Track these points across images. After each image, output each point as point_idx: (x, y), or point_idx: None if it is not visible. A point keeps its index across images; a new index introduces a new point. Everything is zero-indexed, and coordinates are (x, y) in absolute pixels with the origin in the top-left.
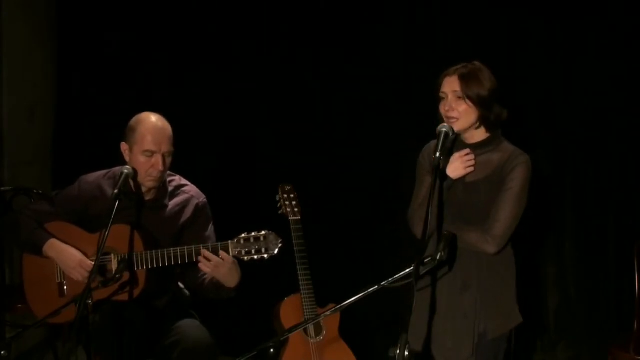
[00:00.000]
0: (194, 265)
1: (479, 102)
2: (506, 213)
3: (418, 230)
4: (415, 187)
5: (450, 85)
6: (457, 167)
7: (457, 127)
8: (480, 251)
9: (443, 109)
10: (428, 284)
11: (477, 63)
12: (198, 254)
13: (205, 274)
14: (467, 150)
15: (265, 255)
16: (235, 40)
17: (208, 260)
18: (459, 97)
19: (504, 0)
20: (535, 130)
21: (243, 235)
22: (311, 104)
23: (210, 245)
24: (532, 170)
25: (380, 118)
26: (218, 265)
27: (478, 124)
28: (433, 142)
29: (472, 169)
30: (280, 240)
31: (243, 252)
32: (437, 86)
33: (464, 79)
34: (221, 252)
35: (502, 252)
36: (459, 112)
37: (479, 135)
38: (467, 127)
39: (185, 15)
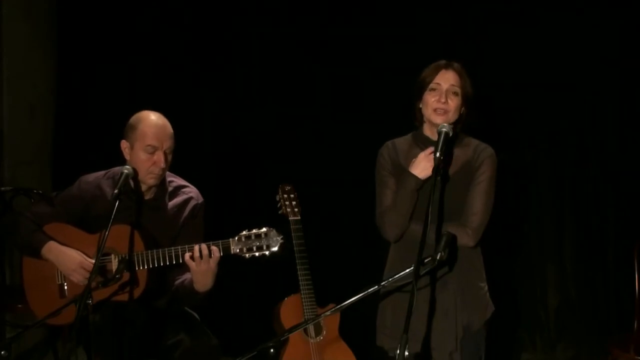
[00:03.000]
0: (179, 265)
1: (467, 101)
2: (482, 205)
3: (390, 234)
4: (377, 190)
5: (447, 79)
6: (425, 166)
7: (443, 121)
8: (460, 245)
9: (435, 99)
10: (408, 286)
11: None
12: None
13: (184, 274)
14: (432, 149)
15: (267, 252)
16: (235, 41)
17: (200, 254)
18: (455, 92)
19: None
20: (534, 130)
21: (244, 232)
22: (311, 104)
23: (211, 243)
24: (497, 161)
25: (380, 118)
26: (205, 261)
27: (455, 122)
28: (390, 142)
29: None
30: (281, 237)
31: (244, 250)
32: (426, 77)
33: (461, 76)
34: (212, 248)
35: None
36: (451, 106)
37: None
38: (450, 123)
39: (186, 15)
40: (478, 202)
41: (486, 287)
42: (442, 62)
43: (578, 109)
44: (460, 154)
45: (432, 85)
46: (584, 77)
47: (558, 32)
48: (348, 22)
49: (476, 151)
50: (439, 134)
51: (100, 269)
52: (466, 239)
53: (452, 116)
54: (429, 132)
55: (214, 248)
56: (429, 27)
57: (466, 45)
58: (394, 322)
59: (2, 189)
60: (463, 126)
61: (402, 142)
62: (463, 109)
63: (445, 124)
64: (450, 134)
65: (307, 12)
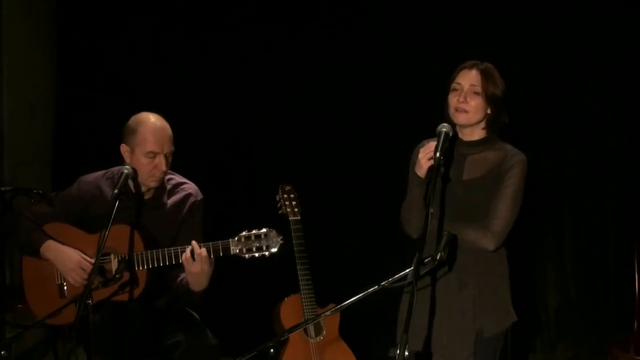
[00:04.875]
0: (179, 265)
1: (493, 102)
2: (506, 210)
3: (405, 230)
4: (408, 186)
5: (468, 79)
6: (418, 162)
7: (464, 120)
8: (480, 248)
9: (455, 99)
10: (425, 284)
11: (489, 64)
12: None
13: (182, 272)
14: (429, 145)
15: (266, 253)
16: (235, 41)
17: (193, 255)
18: (476, 92)
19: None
20: (534, 130)
21: (244, 233)
22: (311, 104)
23: (210, 244)
24: (528, 168)
25: (380, 118)
26: (198, 262)
27: (484, 123)
28: (426, 141)
29: (432, 161)
30: (281, 237)
31: (244, 250)
32: (451, 78)
33: (484, 75)
34: (202, 249)
35: (498, 249)
36: (471, 106)
37: (478, 133)
38: (473, 123)
39: (185, 14)
40: (503, 206)
41: (509, 295)
42: (469, 62)
43: (578, 109)
44: (491, 157)
45: (453, 86)
46: (584, 77)
47: (558, 32)
48: (349, 21)
49: (507, 156)
50: (439, 134)
51: (100, 269)
52: (486, 242)
53: (474, 116)
54: (458, 132)
55: (202, 250)
56: (429, 27)
57: (466, 45)
58: (414, 321)
59: (2, 189)
60: (493, 127)
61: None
62: (489, 109)
63: (445, 124)
64: (451, 134)
65: (307, 11)
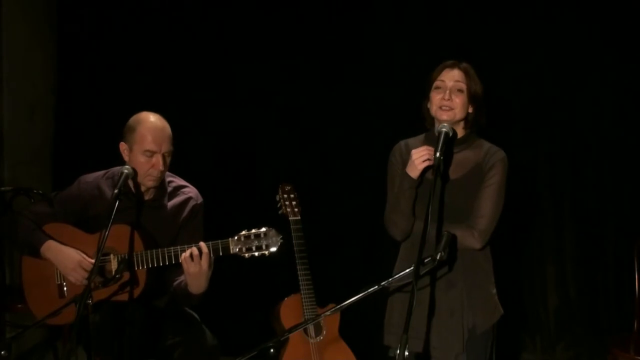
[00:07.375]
0: (178, 265)
1: (475, 100)
2: (490, 208)
3: (393, 233)
4: (388, 189)
5: (452, 76)
6: (411, 164)
7: (449, 117)
8: (466, 247)
9: (439, 97)
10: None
11: (467, 63)
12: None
13: (182, 276)
14: (422, 148)
15: (266, 252)
16: (235, 41)
17: (191, 256)
18: (460, 89)
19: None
20: (534, 130)
21: (243, 232)
22: (311, 104)
23: (210, 243)
24: (508, 165)
25: (380, 118)
26: (196, 263)
27: (464, 122)
28: (403, 142)
29: (428, 162)
30: (280, 237)
31: (244, 249)
32: (432, 77)
33: (467, 75)
34: (200, 244)
35: (484, 247)
36: (456, 103)
37: (458, 132)
38: (456, 121)
39: (185, 15)
40: (486, 205)
41: (495, 290)
42: (449, 62)
43: (578, 109)
44: (471, 156)
45: (437, 84)
46: (585, 77)
47: (558, 32)
48: (348, 21)
49: (487, 154)
50: (439, 134)
51: (100, 269)
52: (472, 241)
53: (459, 113)
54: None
55: (201, 244)
56: (428, 26)
57: (466, 45)
58: (401, 322)
59: (2, 189)
60: (473, 127)
61: (414, 142)
62: (471, 108)
63: (445, 124)
64: (451, 134)
65: (306, 10)
